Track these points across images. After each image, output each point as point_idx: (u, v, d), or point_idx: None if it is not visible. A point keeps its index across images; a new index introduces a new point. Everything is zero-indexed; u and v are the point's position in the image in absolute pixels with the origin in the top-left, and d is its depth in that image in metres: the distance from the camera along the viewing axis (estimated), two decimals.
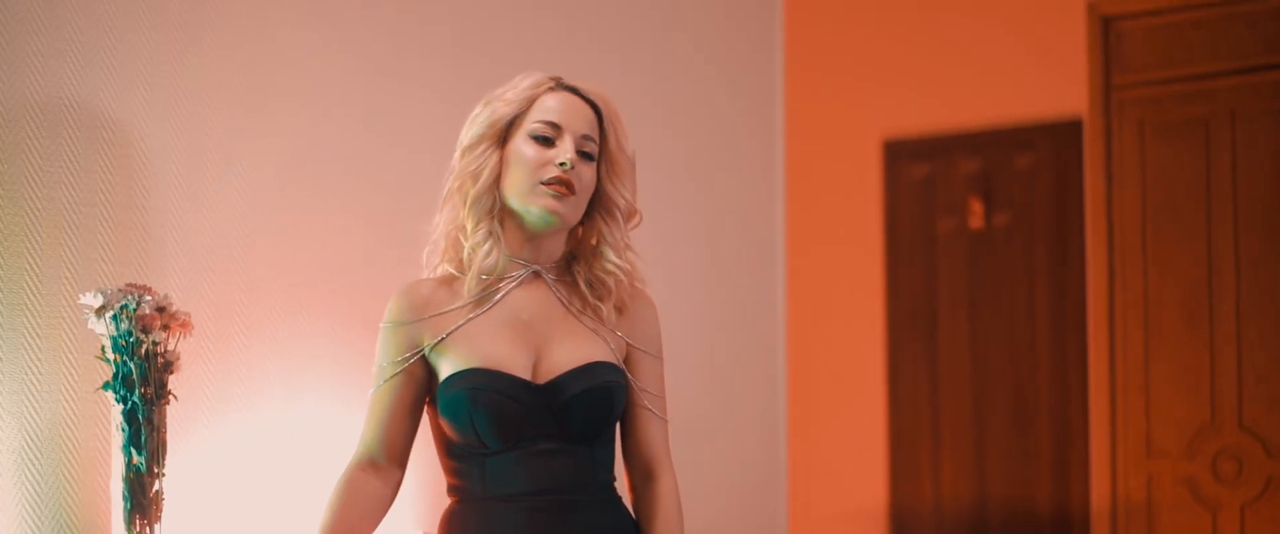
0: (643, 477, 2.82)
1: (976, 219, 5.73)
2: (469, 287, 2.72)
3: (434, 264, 2.84)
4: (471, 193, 2.73)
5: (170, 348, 3.15)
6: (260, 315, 3.60)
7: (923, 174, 5.87)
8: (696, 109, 5.17)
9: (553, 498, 2.66)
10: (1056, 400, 5.59)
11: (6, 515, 3.10)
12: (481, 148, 2.74)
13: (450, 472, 2.74)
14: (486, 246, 2.72)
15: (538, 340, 2.71)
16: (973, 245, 5.77)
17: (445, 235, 2.80)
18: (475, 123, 2.76)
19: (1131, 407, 5.37)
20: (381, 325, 2.74)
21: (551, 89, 2.76)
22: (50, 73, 3.23)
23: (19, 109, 3.17)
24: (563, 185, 2.68)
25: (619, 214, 2.79)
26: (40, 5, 3.22)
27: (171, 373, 3.15)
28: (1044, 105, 5.61)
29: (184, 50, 3.48)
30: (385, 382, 2.73)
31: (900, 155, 5.90)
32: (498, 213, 2.74)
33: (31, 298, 3.17)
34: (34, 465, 3.15)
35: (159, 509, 3.13)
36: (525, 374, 2.67)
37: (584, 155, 2.73)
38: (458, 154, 2.78)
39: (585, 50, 4.51)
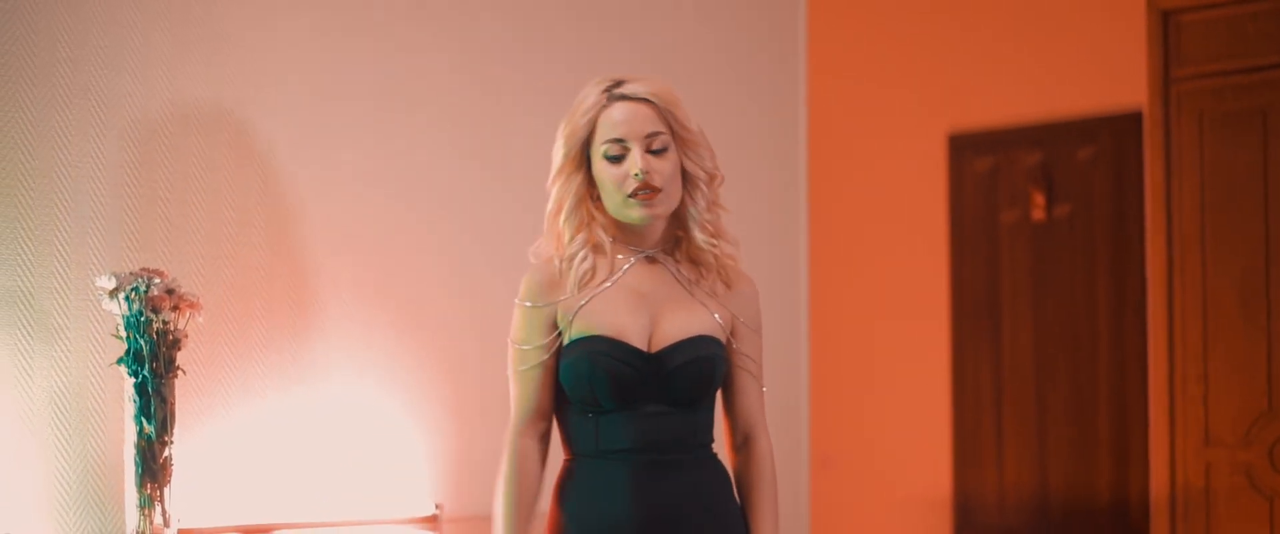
0: (742, 438, 3.09)
1: (1038, 211, 5.80)
2: (570, 289, 3.00)
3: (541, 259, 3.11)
4: (565, 210, 3.03)
5: (179, 327, 3.46)
6: (277, 298, 3.89)
7: (986, 167, 5.96)
8: (720, 108, 5.29)
9: (657, 456, 2.94)
10: (1116, 389, 5.63)
11: (37, 476, 3.45)
12: (564, 175, 3.03)
13: (566, 427, 3.04)
14: (582, 254, 3.01)
15: (654, 312, 2.98)
16: (1035, 236, 5.84)
17: (550, 242, 3.07)
18: (557, 151, 3.05)
19: (1190, 396, 5.39)
20: (519, 303, 3.03)
21: (606, 104, 3.00)
22: (79, 76, 3.56)
23: (50, 109, 3.51)
24: (646, 191, 2.94)
25: (700, 183, 3.03)
26: (68, 14, 3.55)
27: (180, 349, 3.45)
28: (1104, 98, 5.67)
29: (200, 51, 3.77)
30: (533, 364, 3.02)
31: (964, 149, 6.00)
32: (598, 217, 3.04)
33: (61, 281, 3.51)
34: (60, 432, 3.49)
35: (168, 474, 3.44)
36: (640, 343, 2.94)
37: (656, 151, 2.97)
38: (549, 182, 3.07)
39: (610, 50, 4.68)
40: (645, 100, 2.98)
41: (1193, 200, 5.41)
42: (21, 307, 3.46)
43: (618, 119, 2.96)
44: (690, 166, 3.00)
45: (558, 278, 3.01)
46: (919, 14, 6.09)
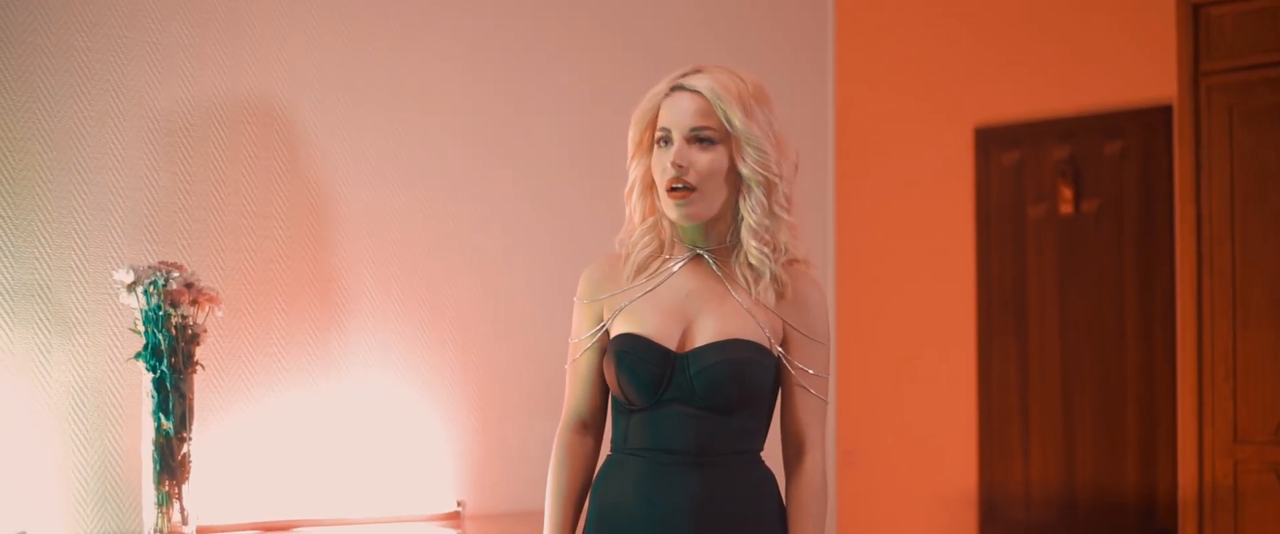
0: (793, 452, 2.95)
1: (1066, 205, 5.76)
2: (627, 272, 2.99)
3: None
4: (635, 192, 3.01)
5: (198, 321, 3.41)
6: (298, 291, 3.85)
7: (1013, 160, 5.92)
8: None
9: (681, 457, 2.87)
10: (1144, 386, 5.59)
11: (56, 472, 3.41)
12: (635, 157, 3.00)
13: (613, 424, 3.02)
14: (646, 240, 2.98)
15: (691, 314, 2.91)
16: (1062, 231, 5.80)
17: (628, 222, 3.07)
18: (630, 135, 3.01)
19: (1219, 393, 5.35)
20: (575, 301, 3.03)
21: (667, 94, 2.95)
22: (95, 67, 3.52)
23: (68, 99, 3.47)
24: (679, 190, 2.88)
25: (754, 187, 2.91)
26: (86, 3, 3.51)
27: (198, 344, 3.41)
28: (1133, 92, 5.62)
29: (221, 50, 3.73)
30: (582, 353, 3.02)
31: (991, 142, 5.95)
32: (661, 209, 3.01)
33: (79, 275, 3.47)
34: (79, 427, 3.45)
35: (187, 470, 3.40)
36: (670, 343, 2.89)
37: (702, 142, 2.89)
38: (628, 161, 3.04)
39: (633, 52, 4.64)
40: (697, 92, 2.90)
41: (1222, 195, 5.36)
42: (39, 300, 3.42)
43: (667, 110, 2.92)
44: (742, 168, 2.89)
45: (610, 274, 3.01)
46: (946, 5, 6.05)
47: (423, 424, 4.04)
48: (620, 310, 2.95)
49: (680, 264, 2.97)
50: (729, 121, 2.88)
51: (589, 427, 3.02)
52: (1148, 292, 5.62)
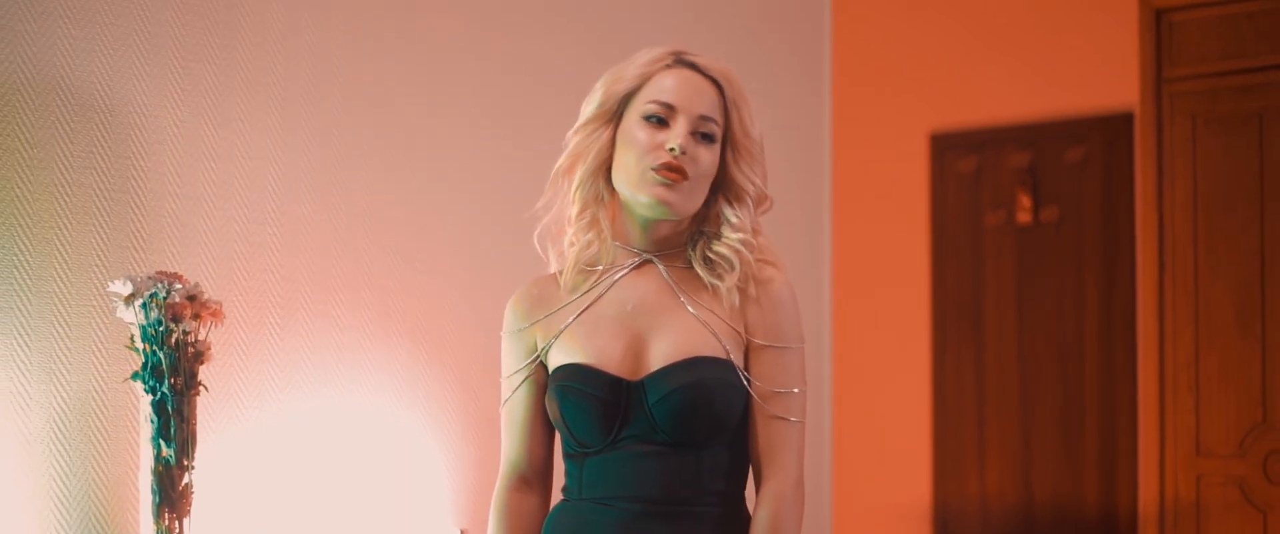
0: (758, 481, 2.55)
1: (1024, 213, 5.67)
2: (565, 282, 2.57)
3: (550, 247, 2.66)
4: (578, 174, 2.56)
5: (201, 337, 3.10)
6: (294, 304, 3.57)
7: (970, 167, 5.80)
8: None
9: (647, 506, 2.47)
10: (1104, 398, 5.52)
11: (34, 506, 3.07)
12: (593, 127, 2.55)
13: (565, 469, 2.59)
14: (588, 237, 2.56)
15: (642, 332, 2.52)
16: (1020, 240, 5.70)
17: (555, 218, 2.63)
18: (591, 101, 2.57)
19: (1181, 405, 5.29)
20: (501, 336, 2.62)
21: (669, 66, 2.54)
22: (80, 62, 3.20)
23: (49, 96, 3.14)
24: (674, 172, 2.46)
25: (749, 200, 2.56)
26: None
27: (202, 363, 3.10)
28: (1095, 98, 5.54)
29: (215, 42, 3.45)
30: (513, 392, 2.60)
31: (948, 148, 5.84)
32: (606, 199, 2.57)
33: (61, 285, 3.13)
34: (62, 455, 3.11)
35: (188, 502, 3.08)
36: (620, 370, 2.49)
37: (703, 137, 2.51)
38: (571, 132, 2.59)
39: (626, 46, 4.49)
40: (713, 80, 2.54)
41: (1185, 205, 5.30)
42: (18, 314, 3.08)
43: (673, 84, 2.51)
44: (740, 178, 2.54)
45: (541, 296, 2.59)
46: (899, 8, 5.93)
47: (425, 451, 3.81)
48: (556, 336, 2.54)
49: (623, 272, 2.55)
50: (744, 125, 2.54)
51: (531, 482, 2.61)
52: (1108, 302, 5.54)
